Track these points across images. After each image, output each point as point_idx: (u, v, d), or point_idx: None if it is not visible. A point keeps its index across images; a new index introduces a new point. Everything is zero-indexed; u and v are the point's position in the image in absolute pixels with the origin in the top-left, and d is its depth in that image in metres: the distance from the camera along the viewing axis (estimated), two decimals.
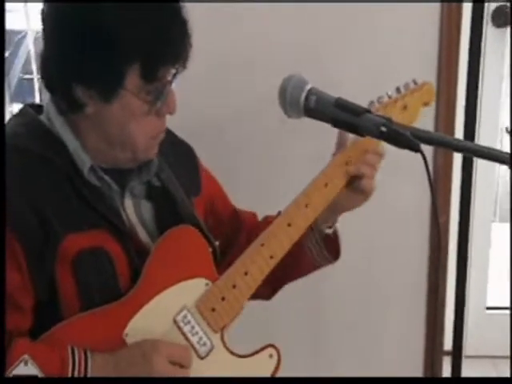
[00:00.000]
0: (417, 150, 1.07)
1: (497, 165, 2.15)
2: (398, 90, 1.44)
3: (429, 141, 1.11)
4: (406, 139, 1.07)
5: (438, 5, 1.94)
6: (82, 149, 1.24)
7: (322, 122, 1.17)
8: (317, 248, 1.43)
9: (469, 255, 1.91)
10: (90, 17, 1.14)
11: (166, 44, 1.16)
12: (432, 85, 1.51)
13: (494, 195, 2.54)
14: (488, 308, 2.32)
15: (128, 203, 1.30)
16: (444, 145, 1.12)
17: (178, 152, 1.42)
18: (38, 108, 1.30)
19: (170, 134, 1.43)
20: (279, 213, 1.40)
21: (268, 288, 1.40)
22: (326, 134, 1.34)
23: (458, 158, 1.98)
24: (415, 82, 1.47)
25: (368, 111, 1.14)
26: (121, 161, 1.26)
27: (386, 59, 1.95)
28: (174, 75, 1.21)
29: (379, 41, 1.95)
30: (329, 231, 1.43)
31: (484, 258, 2.30)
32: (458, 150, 1.13)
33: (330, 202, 1.36)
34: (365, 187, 1.36)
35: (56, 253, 1.18)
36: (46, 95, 1.28)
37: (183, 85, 1.27)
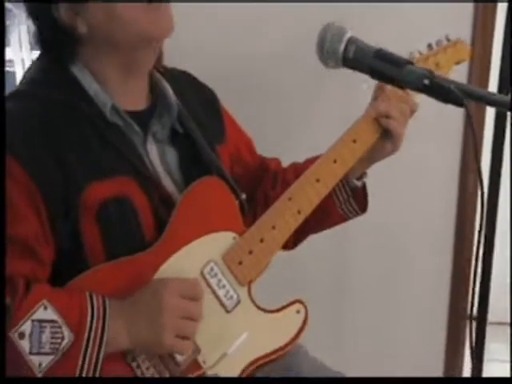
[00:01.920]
0: (461, 104, 1.03)
1: None
2: (429, 46, 1.40)
3: (474, 96, 1.06)
4: (451, 93, 1.03)
5: None
6: (101, 90, 1.21)
7: (361, 72, 1.13)
8: (345, 199, 1.41)
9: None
10: None
11: None
12: (465, 42, 1.46)
13: None
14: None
15: (151, 148, 1.27)
16: (489, 102, 1.08)
17: (200, 98, 1.39)
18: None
19: (191, 78, 1.40)
20: (306, 161, 1.38)
21: (293, 237, 1.36)
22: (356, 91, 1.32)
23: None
24: (448, 39, 1.43)
25: (410, 63, 1.09)
26: (141, 61, 1.22)
27: (419, 15, 1.88)
28: None
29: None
30: (357, 183, 1.40)
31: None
32: (503, 107, 1.09)
33: (359, 158, 1.33)
34: (393, 131, 1.33)
35: (79, 201, 1.15)
36: None
37: (208, 31, 1.20)
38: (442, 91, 1.05)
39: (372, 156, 1.38)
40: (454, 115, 1.90)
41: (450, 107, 1.16)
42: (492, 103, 1.07)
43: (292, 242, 1.45)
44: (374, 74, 1.11)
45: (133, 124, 1.23)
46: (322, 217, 1.40)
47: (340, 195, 1.41)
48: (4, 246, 1.11)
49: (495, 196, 1.85)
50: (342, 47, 1.13)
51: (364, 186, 1.43)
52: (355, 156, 1.33)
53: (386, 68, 1.09)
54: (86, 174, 1.16)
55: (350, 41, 1.13)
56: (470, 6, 1.91)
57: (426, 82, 1.05)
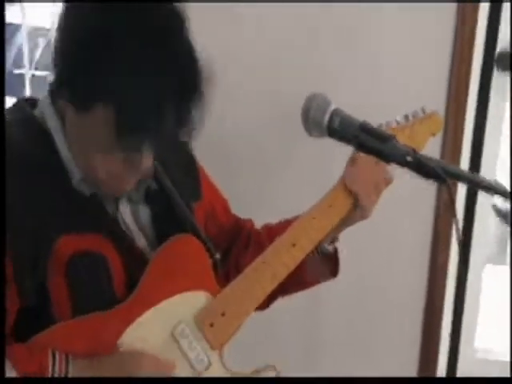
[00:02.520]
0: (443, 181, 1.04)
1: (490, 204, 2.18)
2: (406, 117, 1.44)
3: (453, 175, 1.08)
4: (432, 171, 1.05)
5: (450, 39, 1.94)
6: (72, 160, 1.17)
7: (345, 143, 1.14)
8: (317, 263, 1.40)
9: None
10: (98, 45, 1.05)
11: (151, 114, 1.05)
12: (440, 116, 1.51)
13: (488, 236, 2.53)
14: (477, 349, 2.29)
15: (124, 208, 1.26)
16: (469, 182, 1.10)
17: (177, 156, 1.38)
18: (32, 102, 1.25)
19: None
20: (280, 222, 1.40)
21: (266, 298, 1.34)
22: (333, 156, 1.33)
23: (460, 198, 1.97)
24: (424, 111, 1.46)
25: (393, 137, 1.11)
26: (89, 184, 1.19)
27: (395, 86, 1.94)
28: (148, 148, 1.11)
29: (389, 67, 1.94)
30: (329, 248, 1.40)
31: (475, 300, 2.28)
32: (481, 188, 1.11)
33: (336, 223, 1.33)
34: (361, 202, 1.34)
35: (49, 254, 1.13)
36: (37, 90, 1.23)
37: None
38: (423, 168, 1.06)
39: (343, 222, 1.38)
40: (427, 187, 1.93)
41: (421, 183, 1.20)
42: (472, 183, 1.09)
43: (264, 304, 1.42)
44: (358, 146, 1.12)
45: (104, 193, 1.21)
46: (294, 280, 1.39)
47: (312, 263, 1.40)
48: (4, 247, 1.08)
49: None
50: (326, 118, 1.15)
51: (335, 251, 1.43)
52: (332, 221, 1.34)
53: (370, 141, 1.11)
54: (57, 226, 1.14)
55: (335, 112, 1.15)
56: (444, 79, 1.97)
57: (409, 158, 1.07)
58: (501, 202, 4.18)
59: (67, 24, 1.12)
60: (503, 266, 3.82)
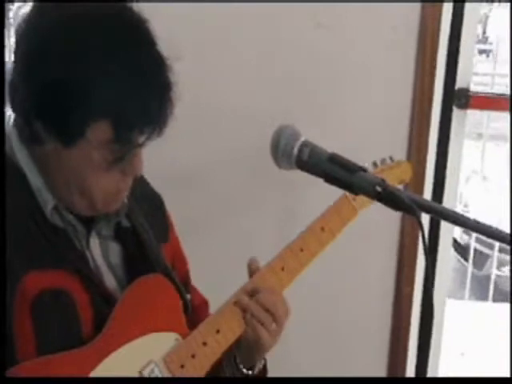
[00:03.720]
0: (413, 213, 1.04)
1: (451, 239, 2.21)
2: (374, 164, 1.44)
3: (422, 207, 1.08)
4: (403, 202, 1.05)
5: (411, 76, 1.98)
6: (45, 186, 1.15)
7: (314, 175, 1.13)
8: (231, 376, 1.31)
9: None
10: (66, 62, 1.07)
11: (142, 109, 1.09)
12: (410, 164, 1.52)
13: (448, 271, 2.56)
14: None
15: (94, 244, 1.22)
16: (438, 214, 1.10)
17: (147, 197, 1.36)
18: None
19: (141, 179, 1.37)
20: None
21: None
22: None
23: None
24: (391, 159, 1.47)
25: (363, 169, 1.11)
26: (78, 208, 1.17)
27: (359, 116, 1.96)
28: (146, 140, 1.13)
29: (351, 119, 1.97)
30: (246, 372, 1.30)
31: (438, 333, 2.29)
32: (453, 221, 1.11)
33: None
34: (257, 334, 1.24)
35: (14, 291, 1.08)
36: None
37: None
38: (393, 199, 1.06)
39: (253, 347, 1.27)
40: (391, 216, 1.95)
41: (385, 215, 1.19)
42: (441, 216, 1.10)
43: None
44: (327, 177, 1.12)
45: (75, 224, 1.19)
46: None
47: (229, 373, 1.31)
48: (4, 246, 1.05)
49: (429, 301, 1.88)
50: (296, 150, 1.14)
51: (257, 376, 1.31)
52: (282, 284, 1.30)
53: (339, 173, 1.11)
54: (23, 261, 1.10)
55: (304, 144, 1.14)
56: (406, 115, 2.00)
57: (379, 189, 1.07)
58: (460, 237, 4.24)
59: (33, 54, 1.10)
60: (462, 300, 3.90)
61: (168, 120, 1.13)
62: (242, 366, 1.29)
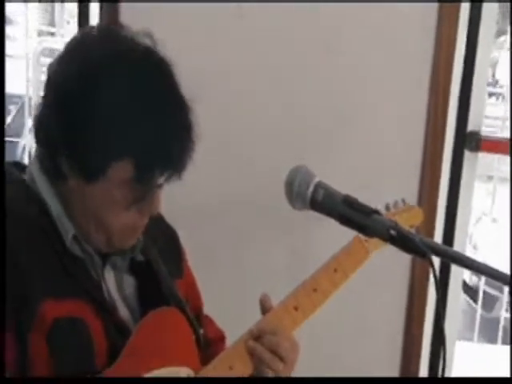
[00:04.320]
0: (424, 256, 1.05)
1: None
2: (387, 207, 1.45)
3: (434, 250, 1.09)
4: (415, 245, 1.06)
5: (423, 120, 1.99)
6: (65, 215, 1.18)
7: (328, 216, 1.15)
8: None
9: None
10: (93, 103, 1.10)
11: (164, 151, 1.12)
12: (421, 210, 1.53)
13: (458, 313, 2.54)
14: None
15: (109, 276, 1.24)
16: (450, 258, 1.11)
17: (163, 232, 1.38)
18: (21, 167, 1.26)
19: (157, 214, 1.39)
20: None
21: None
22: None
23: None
24: (403, 202, 1.49)
25: (376, 212, 1.12)
26: (95, 242, 1.20)
27: (371, 157, 1.98)
28: (166, 181, 1.16)
29: (363, 162, 1.98)
30: None
31: (447, 374, 2.27)
32: (463, 265, 1.12)
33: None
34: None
35: (32, 317, 1.10)
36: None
37: None
38: (406, 243, 1.07)
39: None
40: (402, 258, 1.95)
41: (396, 257, 1.19)
42: (452, 259, 1.10)
43: None
44: (341, 219, 1.13)
45: (93, 255, 1.21)
46: None
47: None
48: (4, 247, 1.07)
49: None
50: (310, 190, 1.15)
51: None
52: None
53: (353, 215, 1.12)
54: (41, 289, 1.12)
55: (319, 185, 1.15)
56: (417, 158, 2.01)
57: (393, 232, 1.07)
58: (470, 279, 4.22)
59: (59, 93, 1.13)
60: (470, 342, 3.86)
61: (188, 162, 1.15)
62: None
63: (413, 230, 1.50)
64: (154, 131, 1.10)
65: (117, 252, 1.24)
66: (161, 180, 1.15)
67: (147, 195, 1.16)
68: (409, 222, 1.47)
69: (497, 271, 1.10)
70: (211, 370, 1.23)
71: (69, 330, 1.13)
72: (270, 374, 1.23)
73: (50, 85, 1.16)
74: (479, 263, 1.11)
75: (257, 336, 1.25)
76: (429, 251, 1.05)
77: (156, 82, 1.13)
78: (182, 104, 1.14)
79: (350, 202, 1.13)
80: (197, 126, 1.15)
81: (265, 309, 1.29)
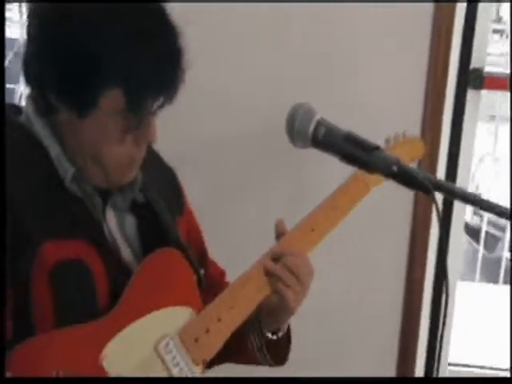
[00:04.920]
0: (428, 191, 1.04)
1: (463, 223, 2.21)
2: (387, 140, 1.43)
3: (437, 186, 1.08)
4: (418, 181, 1.04)
5: (425, 57, 1.96)
6: (64, 156, 1.17)
7: (329, 153, 1.13)
8: (258, 346, 1.33)
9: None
10: (77, 32, 1.08)
11: (154, 77, 1.10)
12: (421, 141, 1.51)
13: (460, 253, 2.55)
14: (450, 364, 2.30)
15: (110, 216, 1.23)
16: (452, 194, 1.10)
17: (161, 171, 1.37)
18: (16, 109, 1.24)
19: (153, 152, 1.38)
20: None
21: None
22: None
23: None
24: (404, 135, 1.47)
25: (378, 148, 1.11)
26: (93, 178, 1.19)
27: (374, 96, 1.95)
28: (158, 108, 1.15)
29: (368, 79, 1.96)
30: (271, 337, 1.31)
31: (449, 316, 2.29)
32: (466, 201, 1.10)
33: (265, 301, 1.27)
34: (282, 296, 1.25)
35: (33, 259, 1.10)
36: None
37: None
38: (408, 178, 1.06)
39: (277, 313, 1.29)
40: (404, 200, 1.95)
41: (398, 199, 1.16)
42: (455, 195, 1.09)
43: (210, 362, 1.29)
44: (343, 156, 1.11)
45: (93, 195, 1.20)
46: (238, 353, 1.34)
47: (254, 341, 1.33)
48: (4, 247, 1.06)
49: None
50: (311, 128, 1.13)
51: (280, 339, 1.33)
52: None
53: (355, 152, 1.10)
54: (42, 231, 1.11)
55: (320, 122, 1.14)
56: (420, 96, 1.99)
57: (395, 168, 1.06)
58: (472, 220, 4.22)
59: (45, 28, 1.11)
60: (472, 282, 3.90)
61: (179, 87, 1.14)
62: (266, 331, 1.30)
63: (414, 164, 1.49)
64: (143, 58, 1.08)
65: (116, 191, 1.23)
66: (154, 107, 1.13)
67: (141, 123, 1.14)
68: (410, 155, 1.45)
69: (499, 207, 1.10)
70: (212, 310, 1.23)
71: (70, 272, 1.12)
72: (290, 294, 1.23)
73: (32, 22, 1.14)
74: (482, 199, 1.10)
75: (275, 258, 1.26)
76: (432, 187, 1.03)
77: (143, 8, 1.11)
78: (171, 29, 1.12)
79: (351, 139, 1.11)
80: (187, 51, 1.13)
81: (279, 233, 1.29)
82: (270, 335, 1.31)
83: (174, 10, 1.14)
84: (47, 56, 1.10)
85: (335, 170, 1.25)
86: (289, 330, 1.35)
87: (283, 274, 1.24)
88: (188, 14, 1.18)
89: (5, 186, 1.09)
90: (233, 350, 1.29)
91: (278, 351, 1.35)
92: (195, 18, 1.68)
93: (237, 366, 1.41)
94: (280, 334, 1.32)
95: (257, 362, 1.37)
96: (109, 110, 1.11)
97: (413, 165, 1.49)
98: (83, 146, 1.16)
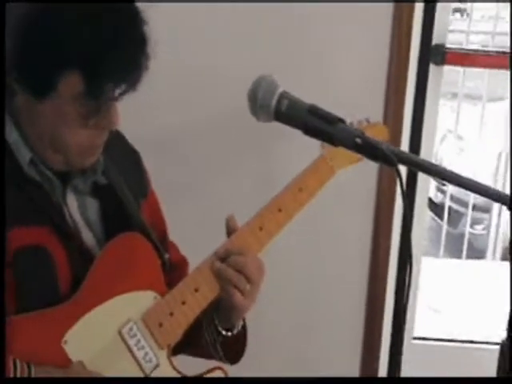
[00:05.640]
0: (393, 164, 1.04)
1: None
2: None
3: (400, 157, 1.08)
4: (382, 153, 1.04)
5: (388, 34, 1.97)
6: (21, 140, 1.14)
7: (293, 127, 1.12)
8: (211, 341, 1.31)
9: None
10: (36, 13, 1.06)
11: (114, 62, 1.07)
12: (385, 127, 1.51)
13: (424, 229, 2.58)
14: (414, 338, 2.33)
15: (71, 200, 1.21)
16: (416, 165, 1.09)
17: (125, 153, 1.35)
18: None
19: (118, 134, 1.35)
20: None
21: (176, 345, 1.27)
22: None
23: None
24: (368, 121, 1.47)
25: (342, 120, 1.10)
26: (53, 162, 1.17)
27: (336, 74, 1.96)
28: (120, 95, 1.12)
29: (330, 57, 1.96)
30: (225, 333, 1.30)
31: (414, 291, 2.31)
32: (429, 172, 1.10)
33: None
34: (230, 296, 1.23)
35: (3, 260, 1.07)
36: None
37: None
38: (373, 150, 1.06)
39: (230, 308, 1.27)
40: (367, 173, 1.96)
41: (363, 172, 1.15)
42: (419, 167, 1.09)
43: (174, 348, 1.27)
44: (306, 129, 1.10)
45: (52, 179, 1.17)
46: (194, 343, 1.31)
47: (208, 336, 1.31)
48: (4, 247, 1.04)
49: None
50: (274, 101, 1.11)
51: (235, 337, 1.31)
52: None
53: (318, 124, 1.09)
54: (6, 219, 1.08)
55: (283, 95, 1.12)
56: (382, 72, 1.99)
57: (359, 140, 1.06)
58: (435, 196, 4.26)
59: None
60: (436, 258, 3.94)
61: (142, 74, 1.11)
62: (220, 328, 1.29)
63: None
64: (102, 41, 1.06)
65: (78, 174, 1.21)
66: (115, 93, 1.11)
67: (102, 109, 1.11)
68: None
69: (463, 178, 1.10)
70: (176, 294, 1.22)
71: (30, 258, 1.10)
72: (237, 295, 1.23)
73: None
74: (445, 170, 1.10)
75: (223, 257, 1.25)
76: (396, 159, 1.03)
77: None
78: (133, 14, 1.10)
79: (315, 112, 1.09)
80: (151, 38, 1.10)
81: (230, 230, 1.28)
82: (224, 332, 1.30)
83: None
84: (7, 37, 1.07)
85: (301, 153, 1.25)
86: (245, 328, 1.33)
87: (230, 274, 1.23)
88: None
89: (4, 185, 1.07)
90: (188, 343, 1.28)
91: (232, 348, 1.33)
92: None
93: (236, 366, 1.39)
94: (235, 331, 1.30)
95: (211, 357, 1.35)
96: (67, 95, 1.08)
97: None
98: (42, 131, 1.13)
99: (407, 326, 2.29)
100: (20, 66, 1.08)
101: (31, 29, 1.06)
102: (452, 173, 1.10)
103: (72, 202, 1.21)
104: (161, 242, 1.34)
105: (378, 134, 1.49)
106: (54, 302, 1.12)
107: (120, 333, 1.16)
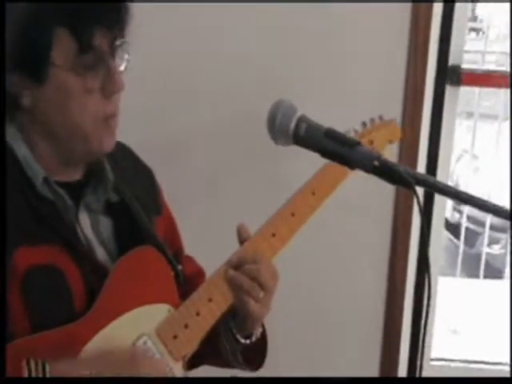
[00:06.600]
0: (410, 186, 1.04)
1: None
2: (364, 124, 1.44)
3: (418, 180, 1.08)
4: (400, 175, 1.05)
5: (404, 53, 1.98)
6: (33, 158, 1.16)
7: (311, 150, 1.13)
8: (231, 350, 1.32)
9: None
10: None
11: (97, 11, 1.10)
12: (397, 123, 1.51)
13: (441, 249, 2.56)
14: (432, 359, 2.32)
15: (84, 218, 1.22)
16: (433, 188, 1.10)
17: (138, 171, 1.36)
18: None
19: (130, 153, 1.37)
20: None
21: (191, 360, 1.28)
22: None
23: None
24: (381, 118, 1.47)
25: (359, 143, 1.11)
26: (74, 156, 1.18)
27: (353, 94, 1.97)
28: (114, 47, 1.14)
29: (347, 76, 1.97)
30: (244, 341, 1.30)
31: (432, 310, 2.30)
32: (447, 194, 1.11)
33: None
34: (245, 305, 1.24)
35: (4, 267, 1.08)
36: None
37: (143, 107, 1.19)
38: (391, 173, 1.06)
39: (246, 316, 1.27)
40: (384, 194, 1.96)
41: (380, 190, 1.15)
42: (437, 189, 1.10)
43: (189, 364, 1.29)
44: (324, 152, 1.12)
45: (65, 197, 1.19)
46: (212, 353, 1.32)
47: (227, 345, 1.31)
48: (4, 245, 1.05)
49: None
50: (292, 125, 1.13)
51: (254, 344, 1.31)
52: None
53: (336, 148, 1.10)
54: (13, 237, 1.09)
55: (301, 119, 1.14)
56: (399, 92, 2.00)
57: (377, 163, 1.07)
58: (452, 216, 4.25)
59: None
60: (453, 278, 3.92)
61: (127, 17, 1.14)
62: (239, 336, 1.29)
63: (392, 147, 1.49)
64: None
65: (90, 192, 1.22)
66: (106, 42, 1.12)
67: (98, 66, 1.12)
68: (387, 138, 1.46)
69: (479, 200, 1.10)
70: (190, 305, 1.23)
71: (43, 278, 1.11)
72: (252, 303, 1.23)
73: None
74: (463, 192, 1.10)
75: (236, 265, 1.25)
76: (413, 181, 1.04)
77: None
78: None
79: (332, 135, 1.11)
80: None
81: (242, 238, 1.28)
82: (242, 340, 1.30)
83: None
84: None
85: (314, 160, 1.25)
86: (264, 335, 1.34)
87: (244, 282, 1.23)
88: None
89: (5, 187, 1.08)
90: (208, 353, 1.29)
91: (253, 356, 1.34)
92: None
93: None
94: (253, 339, 1.31)
95: (233, 366, 1.36)
96: (63, 62, 1.10)
97: (391, 148, 1.50)
98: (54, 123, 1.14)
99: (425, 346, 2.28)
100: (12, 55, 1.10)
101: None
102: (468, 194, 1.10)
103: (85, 220, 1.22)
104: (175, 255, 1.35)
105: (392, 132, 1.48)
106: (70, 319, 1.13)
107: (134, 347, 1.17)
